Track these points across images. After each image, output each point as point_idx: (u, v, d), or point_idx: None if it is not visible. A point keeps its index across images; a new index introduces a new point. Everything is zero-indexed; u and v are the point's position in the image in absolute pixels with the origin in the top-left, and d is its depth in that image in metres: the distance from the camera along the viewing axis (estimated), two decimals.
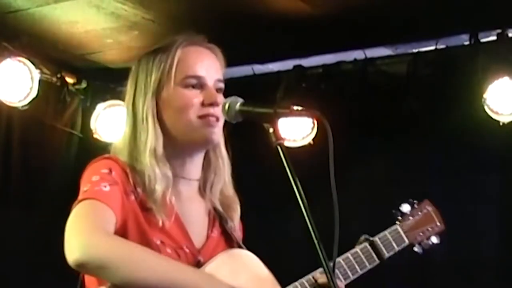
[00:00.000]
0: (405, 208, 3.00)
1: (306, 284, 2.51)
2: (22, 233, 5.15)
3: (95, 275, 2.20)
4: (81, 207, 2.18)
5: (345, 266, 2.57)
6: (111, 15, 4.72)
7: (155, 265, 2.15)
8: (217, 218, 2.50)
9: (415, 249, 2.97)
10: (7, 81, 5.05)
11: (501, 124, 4.68)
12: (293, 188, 2.13)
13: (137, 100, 2.40)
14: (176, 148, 2.39)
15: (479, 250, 4.82)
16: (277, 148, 2.18)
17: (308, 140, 5.17)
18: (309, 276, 2.53)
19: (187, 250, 2.35)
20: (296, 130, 5.17)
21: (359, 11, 4.54)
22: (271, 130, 2.21)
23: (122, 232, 2.23)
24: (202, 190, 2.49)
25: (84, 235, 2.13)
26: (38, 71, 5.20)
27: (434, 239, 3.03)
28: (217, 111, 2.38)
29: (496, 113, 4.68)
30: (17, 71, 5.09)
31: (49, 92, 5.54)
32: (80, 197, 2.22)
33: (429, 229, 3.03)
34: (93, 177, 2.25)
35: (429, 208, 3.05)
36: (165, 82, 2.39)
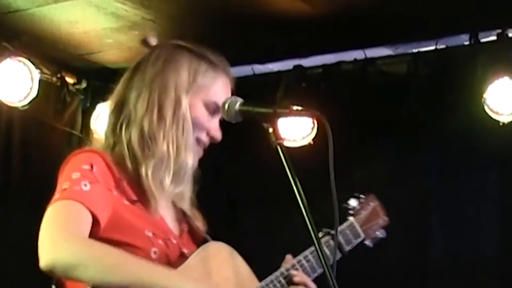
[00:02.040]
0: (353, 202, 3.00)
1: (282, 279, 2.50)
2: (22, 233, 5.15)
3: (67, 278, 2.17)
4: (55, 208, 2.17)
5: (312, 260, 2.57)
6: (111, 15, 4.72)
7: (125, 265, 2.12)
8: (183, 214, 2.51)
9: (367, 243, 2.97)
10: (7, 81, 5.05)
11: (501, 124, 4.68)
12: (293, 188, 2.13)
13: (180, 90, 2.38)
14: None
15: (479, 250, 4.82)
16: (277, 148, 2.18)
17: (308, 140, 5.17)
18: (283, 271, 2.53)
19: (174, 241, 2.36)
20: (296, 130, 5.17)
21: (359, 11, 4.54)
22: (271, 130, 2.22)
23: (110, 228, 2.22)
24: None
25: (52, 240, 2.11)
26: (38, 71, 5.19)
27: (380, 233, 3.04)
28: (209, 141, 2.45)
29: (496, 113, 4.68)
30: (17, 71, 5.09)
31: (49, 92, 5.54)
32: (57, 195, 2.19)
33: (377, 223, 3.04)
34: (73, 174, 2.22)
35: (375, 202, 3.07)
36: (200, 93, 2.41)
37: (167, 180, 2.33)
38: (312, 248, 2.53)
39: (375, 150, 5.09)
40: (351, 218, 2.93)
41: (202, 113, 2.42)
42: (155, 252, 2.27)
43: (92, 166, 2.25)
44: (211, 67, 2.45)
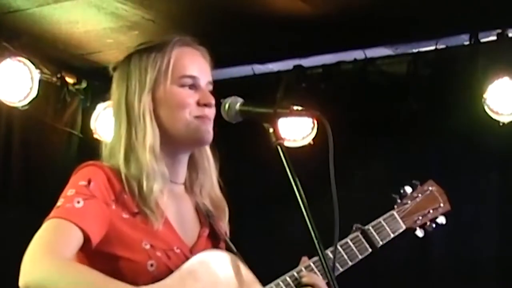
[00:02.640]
0: (407, 190, 2.91)
1: (290, 281, 2.49)
2: (22, 233, 5.15)
3: None
4: (45, 228, 2.19)
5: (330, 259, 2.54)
6: (111, 15, 4.72)
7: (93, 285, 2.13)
8: (206, 217, 2.48)
9: (417, 233, 2.89)
10: (7, 81, 5.05)
11: (501, 124, 4.68)
12: (293, 188, 2.13)
13: (131, 98, 2.40)
14: (169, 148, 2.40)
15: (479, 250, 4.82)
16: (277, 148, 2.18)
17: (308, 140, 5.17)
18: (293, 273, 2.50)
19: (178, 251, 2.32)
20: (296, 130, 5.17)
21: (359, 11, 4.54)
22: (271, 130, 2.21)
23: (107, 242, 2.22)
24: (190, 191, 2.49)
25: (31, 261, 2.15)
26: (38, 71, 5.19)
27: (439, 220, 2.93)
28: (211, 112, 2.41)
29: (496, 113, 4.68)
30: (17, 71, 5.09)
31: (49, 92, 5.54)
32: (51, 213, 2.21)
33: (431, 210, 2.92)
34: (69, 191, 2.23)
35: (432, 188, 2.96)
36: (161, 80, 2.40)
37: (147, 184, 2.31)
38: (331, 249, 2.51)
39: (375, 150, 5.09)
40: (393, 210, 2.85)
41: (179, 93, 2.39)
42: (151, 265, 2.25)
43: (89, 182, 2.25)
44: (159, 51, 2.42)
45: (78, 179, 2.26)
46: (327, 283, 2.14)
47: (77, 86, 5.73)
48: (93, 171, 2.29)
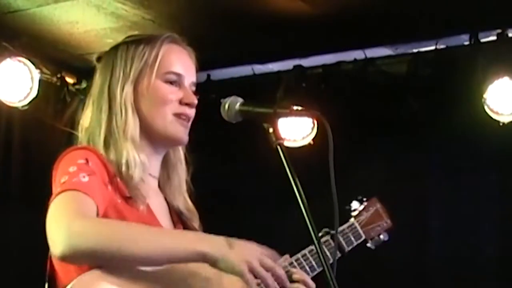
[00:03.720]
0: (355, 205, 3.01)
1: None
2: (22, 233, 5.16)
3: (88, 262, 2.13)
4: (60, 198, 2.14)
5: (311, 259, 2.57)
6: (111, 15, 4.72)
7: (148, 235, 2.11)
8: (179, 214, 2.49)
9: (368, 245, 2.98)
10: (7, 81, 5.05)
11: (501, 124, 4.68)
12: (293, 188, 2.13)
13: (114, 86, 2.40)
14: (147, 141, 2.40)
15: (479, 250, 4.82)
16: (277, 148, 2.18)
17: (308, 140, 5.17)
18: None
19: None
20: (296, 130, 5.17)
21: (359, 11, 4.54)
22: (271, 130, 2.21)
23: None
24: (161, 187, 2.49)
25: (66, 224, 2.08)
26: (38, 71, 5.20)
27: (383, 236, 3.05)
28: (192, 112, 2.42)
29: (496, 113, 4.68)
30: (17, 71, 5.09)
31: (49, 92, 5.54)
32: (58, 189, 2.17)
33: (380, 225, 3.05)
34: (70, 168, 2.21)
35: (377, 205, 3.08)
36: (146, 73, 2.40)
37: (137, 177, 2.32)
38: (311, 247, 2.53)
39: (375, 150, 5.09)
40: (352, 219, 2.94)
41: (163, 88, 2.39)
42: None
43: (87, 161, 2.24)
44: (149, 44, 2.43)
45: (75, 158, 2.25)
46: (327, 283, 2.14)
47: (77, 86, 5.73)
48: (87, 153, 2.28)
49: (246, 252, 2.13)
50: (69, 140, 5.70)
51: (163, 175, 2.50)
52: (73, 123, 5.70)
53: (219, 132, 4.47)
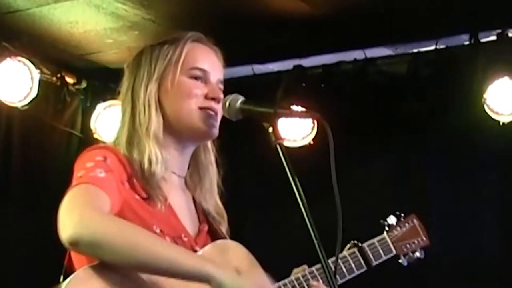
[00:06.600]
0: (392, 220, 3.03)
1: (296, 284, 2.51)
2: (22, 233, 5.16)
3: (88, 253, 2.13)
4: (76, 190, 2.15)
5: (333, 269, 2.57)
6: (111, 15, 4.72)
7: (153, 245, 2.11)
8: (205, 214, 2.49)
9: (400, 261, 2.98)
10: (7, 81, 5.06)
11: (501, 124, 4.68)
12: (293, 188, 2.13)
13: (137, 86, 2.42)
14: (172, 138, 2.40)
15: (479, 250, 4.82)
16: (277, 148, 2.18)
17: (308, 140, 5.17)
18: (299, 276, 2.53)
19: (186, 239, 2.33)
20: (296, 130, 5.17)
21: (359, 11, 4.54)
22: (270, 129, 2.22)
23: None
24: (189, 187, 2.49)
25: (78, 212, 2.09)
26: (38, 71, 5.20)
27: (419, 253, 3.04)
28: (218, 107, 2.41)
29: (496, 113, 4.68)
30: (17, 71, 5.09)
31: (49, 92, 5.54)
32: (74, 182, 2.19)
33: (415, 242, 3.05)
34: (87, 163, 2.23)
35: (415, 222, 3.08)
36: (171, 70, 2.41)
37: (148, 168, 2.32)
38: (332, 258, 2.54)
39: (375, 150, 5.09)
40: (384, 233, 2.96)
41: (188, 83, 2.40)
42: None
43: (105, 158, 2.26)
44: (173, 44, 2.44)
45: (94, 155, 2.27)
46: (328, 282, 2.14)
47: (77, 86, 5.73)
48: (106, 152, 2.30)
49: (255, 281, 2.17)
50: (69, 140, 5.75)
51: (194, 176, 2.50)
52: (73, 123, 5.74)
53: (219, 132, 4.48)
